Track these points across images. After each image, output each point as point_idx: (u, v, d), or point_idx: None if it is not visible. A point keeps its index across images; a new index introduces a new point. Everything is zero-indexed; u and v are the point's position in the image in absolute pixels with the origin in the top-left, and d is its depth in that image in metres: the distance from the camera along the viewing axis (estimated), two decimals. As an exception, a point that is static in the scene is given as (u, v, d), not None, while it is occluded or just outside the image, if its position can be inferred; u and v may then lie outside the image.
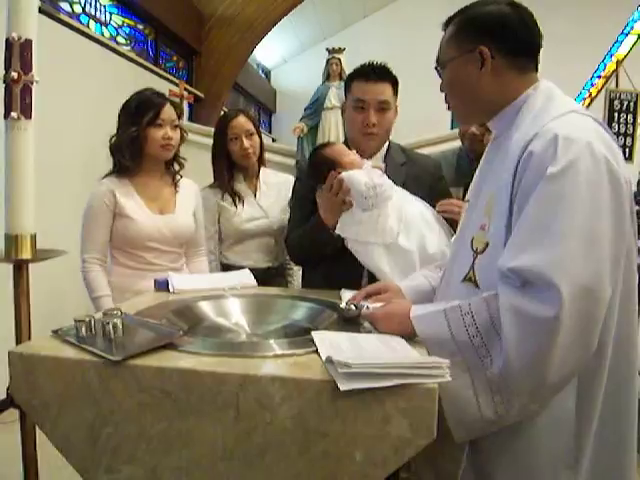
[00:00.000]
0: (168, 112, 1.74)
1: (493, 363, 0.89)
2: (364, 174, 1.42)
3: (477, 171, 1.16)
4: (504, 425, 0.92)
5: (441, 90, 1.12)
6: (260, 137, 2.11)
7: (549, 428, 0.94)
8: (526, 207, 0.89)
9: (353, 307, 1.09)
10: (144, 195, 1.77)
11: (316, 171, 1.53)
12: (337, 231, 1.46)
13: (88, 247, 1.72)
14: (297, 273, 2.19)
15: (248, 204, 2.07)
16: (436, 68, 1.11)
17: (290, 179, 2.12)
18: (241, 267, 1.95)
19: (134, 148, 1.72)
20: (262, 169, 2.16)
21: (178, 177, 1.88)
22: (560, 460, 0.94)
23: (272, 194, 2.12)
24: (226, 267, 2.08)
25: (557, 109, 0.96)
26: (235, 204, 2.05)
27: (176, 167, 1.88)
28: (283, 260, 2.18)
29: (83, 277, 1.74)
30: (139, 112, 1.70)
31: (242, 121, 2.05)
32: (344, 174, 1.42)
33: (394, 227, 1.41)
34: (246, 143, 2.03)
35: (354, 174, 1.42)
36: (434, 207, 1.57)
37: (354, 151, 1.54)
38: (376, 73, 1.56)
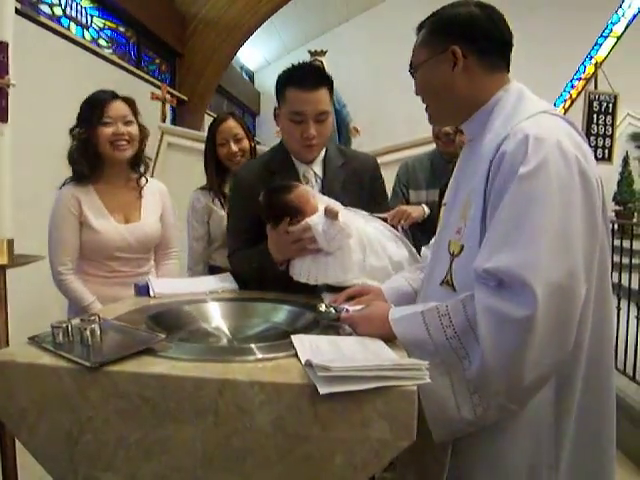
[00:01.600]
0: (116, 108, 1.67)
1: (472, 364, 0.89)
2: (323, 218, 1.34)
3: (453, 174, 1.17)
4: (483, 425, 0.93)
5: (416, 93, 1.13)
6: (251, 141, 2.11)
7: (528, 427, 0.95)
8: (499, 208, 0.91)
9: (332, 310, 1.09)
10: (108, 204, 1.72)
11: (274, 213, 1.40)
12: (296, 278, 1.40)
13: (61, 258, 1.67)
14: None
15: None
16: (411, 72, 1.12)
17: None
18: (227, 270, 1.97)
19: (88, 152, 1.66)
20: None
21: (144, 180, 1.82)
22: (540, 459, 0.95)
23: None
24: (213, 269, 2.08)
25: (528, 110, 0.98)
26: (224, 207, 2.05)
27: (142, 169, 1.82)
28: None
29: (63, 289, 1.69)
30: (86, 113, 1.66)
31: (231, 125, 2.06)
32: (310, 222, 1.34)
33: (360, 257, 1.36)
34: (234, 147, 2.04)
35: (319, 222, 1.33)
36: (378, 206, 1.58)
37: (310, 190, 1.45)
38: (312, 80, 1.43)
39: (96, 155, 1.68)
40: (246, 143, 2.08)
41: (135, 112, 1.74)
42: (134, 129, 1.72)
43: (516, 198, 0.89)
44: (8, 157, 1.21)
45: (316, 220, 1.33)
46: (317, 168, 1.57)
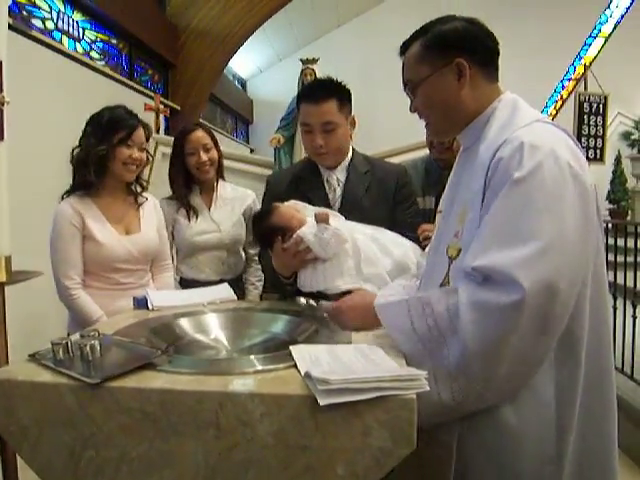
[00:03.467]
0: (140, 135, 1.73)
1: (450, 353, 0.92)
2: (314, 226, 1.37)
3: (448, 182, 1.19)
4: (464, 412, 0.96)
5: (412, 111, 1.14)
6: (219, 151, 2.13)
7: (531, 425, 0.96)
8: (491, 210, 0.94)
9: (312, 302, 1.13)
10: (109, 216, 1.74)
11: (264, 239, 1.48)
12: (302, 290, 1.43)
13: (67, 272, 1.65)
14: (258, 285, 2.24)
15: (201, 217, 2.10)
16: (408, 90, 1.12)
17: (248, 194, 2.22)
18: (193, 280, 2.04)
19: (100, 165, 1.68)
20: (221, 183, 2.19)
21: (142, 198, 1.85)
22: (543, 456, 0.96)
23: (227, 208, 2.15)
24: (182, 282, 2.10)
25: (523, 119, 1.01)
26: (189, 217, 2.07)
27: (138, 189, 1.86)
28: (238, 273, 2.20)
29: (70, 304, 1.67)
30: (111, 129, 1.67)
31: (199, 135, 2.07)
32: (300, 234, 1.37)
33: (356, 262, 1.38)
34: (204, 157, 2.05)
35: (308, 231, 1.36)
36: (399, 212, 1.63)
37: (292, 206, 1.49)
38: (319, 92, 1.55)
39: (105, 168, 1.71)
40: (214, 153, 2.10)
41: (147, 138, 1.80)
42: (144, 156, 1.78)
43: (508, 201, 0.92)
44: (5, 174, 1.22)
45: (305, 230, 1.36)
46: (340, 174, 1.67)
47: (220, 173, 2.18)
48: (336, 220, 1.40)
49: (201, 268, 2.09)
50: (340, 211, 1.59)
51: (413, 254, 1.40)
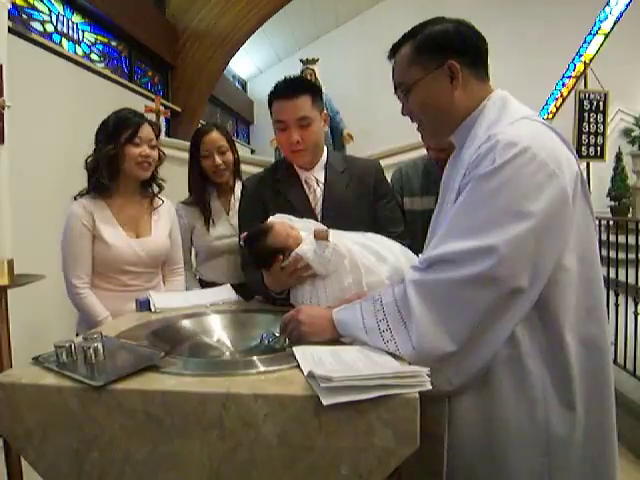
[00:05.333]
0: (146, 131, 1.73)
1: (399, 345, 0.93)
2: (312, 243, 1.31)
3: (441, 184, 1.19)
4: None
5: (404, 114, 1.14)
6: (235, 152, 2.10)
7: (519, 415, 0.97)
8: (454, 205, 0.97)
9: (272, 334, 1.15)
10: (121, 219, 1.75)
11: (261, 260, 1.39)
12: (297, 305, 1.37)
13: (76, 271, 1.68)
14: None
15: (219, 221, 2.07)
16: (400, 93, 1.12)
17: None
18: (213, 283, 1.97)
19: (111, 166, 1.70)
20: (239, 185, 2.13)
21: (158, 201, 1.86)
22: (532, 446, 0.96)
23: None
24: (202, 282, 2.09)
25: (510, 116, 1.01)
26: (207, 223, 2.05)
27: (155, 189, 1.86)
28: None
29: (77, 303, 1.70)
30: (117, 130, 1.69)
31: (215, 137, 2.04)
32: (299, 253, 1.31)
33: (356, 276, 1.31)
34: (218, 160, 2.02)
35: (308, 249, 1.31)
36: (380, 208, 1.62)
37: (285, 221, 1.41)
38: (290, 88, 1.53)
39: (118, 170, 1.72)
40: (230, 155, 2.06)
41: (157, 136, 1.80)
42: (156, 153, 1.78)
43: (469, 196, 0.95)
44: (6, 178, 1.22)
45: (304, 248, 1.31)
46: (318, 174, 1.63)
47: (237, 175, 2.14)
48: (332, 232, 1.34)
49: (221, 271, 2.05)
50: (322, 212, 1.58)
51: (404, 257, 1.37)
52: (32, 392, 0.88)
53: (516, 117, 1.00)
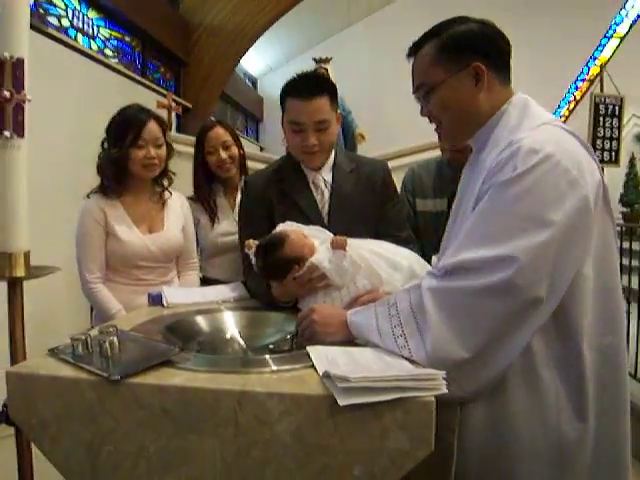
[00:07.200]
0: (150, 131, 1.71)
1: (412, 351, 0.92)
2: (327, 252, 1.28)
3: (458, 188, 1.18)
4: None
5: (423, 114, 1.13)
6: (240, 148, 2.09)
7: (532, 424, 0.96)
8: (473, 212, 0.95)
9: (288, 338, 1.15)
10: (133, 215, 1.76)
11: (276, 272, 1.32)
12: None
13: (89, 266, 1.71)
14: None
15: (225, 218, 2.06)
16: (422, 94, 1.10)
17: None
18: (216, 280, 1.96)
19: (118, 169, 1.71)
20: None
21: (167, 194, 1.87)
22: (543, 457, 0.96)
23: None
24: (204, 280, 2.07)
25: (531, 122, 1.00)
26: (212, 219, 2.04)
27: (165, 183, 1.87)
28: None
29: (90, 297, 1.73)
30: (121, 132, 1.69)
31: (219, 132, 2.04)
32: (315, 262, 1.27)
33: (370, 287, 1.29)
34: (223, 154, 2.02)
35: (323, 259, 1.27)
36: (387, 210, 1.58)
37: (297, 230, 1.36)
38: (310, 88, 1.44)
39: (125, 171, 1.73)
40: (235, 150, 2.06)
41: (165, 132, 1.79)
42: (163, 151, 1.77)
43: (489, 203, 0.93)
44: (25, 171, 1.23)
45: (320, 258, 1.27)
46: (326, 174, 1.58)
47: (243, 170, 2.13)
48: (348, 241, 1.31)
49: (225, 269, 2.05)
50: (329, 214, 1.54)
51: (417, 264, 1.35)
52: (48, 384, 0.88)
53: (538, 122, 0.98)
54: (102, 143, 1.75)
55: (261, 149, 9.08)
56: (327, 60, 5.12)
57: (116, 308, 1.69)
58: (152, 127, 1.73)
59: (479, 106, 1.05)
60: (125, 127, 1.70)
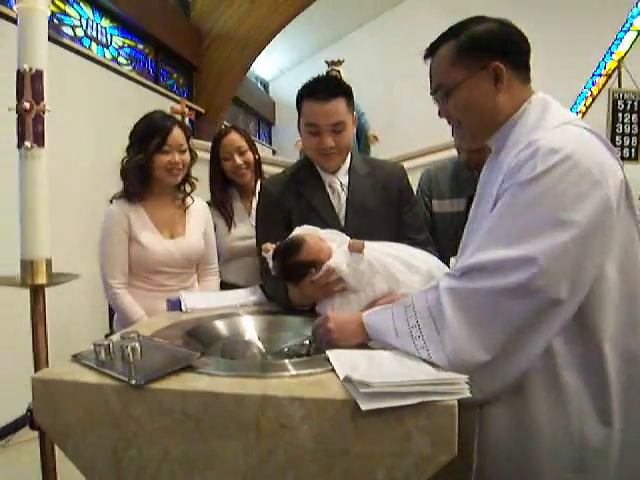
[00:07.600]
0: (175, 137, 1.74)
1: (431, 353, 0.91)
2: (344, 255, 1.28)
3: (477, 188, 1.17)
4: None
5: (441, 115, 1.12)
6: (255, 153, 2.11)
7: (553, 429, 0.94)
8: (492, 212, 0.94)
9: (306, 342, 1.15)
10: (155, 220, 1.78)
11: (294, 275, 1.33)
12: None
13: (112, 272, 1.73)
14: None
15: (241, 222, 2.08)
16: (440, 95, 1.08)
17: None
18: (234, 285, 1.97)
19: (142, 174, 1.74)
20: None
21: (189, 200, 1.89)
22: (565, 462, 0.94)
23: None
24: (221, 284, 2.07)
25: (551, 121, 0.98)
26: (228, 224, 2.06)
27: (187, 188, 1.89)
28: None
29: (114, 303, 1.75)
30: (146, 138, 1.72)
31: (234, 138, 2.06)
32: (332, 265, 1.26)
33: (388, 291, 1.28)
34: (239, 160, 2.03)
35: (340, 262, 1.26)
36: (404, 213, 1.57)
37: (314, 234, 1.36)
38: (326, 91, 1.45)
39: (149, 176, 1.76)
40: (250, 155, 2.07)
41: (188, 138, 1.81)
42: (187, 157, 1.79)
43: (509, 204, 0.92)
44: (45, 180, 1.25)
45: (337, 261, 1.26)
46: (342, 177, 1.58)
47: (259, 175, 2.15)
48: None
49: (241, 273, 2.06)
50: (346, 217, 1.54)
51: (435, 266, 1.34)
52: (72, 389, 0.90)
53: (558, 122, 0.97)
54: (127, 149, 1.77)
55: (274, 152, 9.12)
56: (339, 62, 5.13)
57: (139, 314, 1.71)
58: (177, 133, 1.75)
59: (499, 106, 1.03)
60: (150, 133, 1.72)
